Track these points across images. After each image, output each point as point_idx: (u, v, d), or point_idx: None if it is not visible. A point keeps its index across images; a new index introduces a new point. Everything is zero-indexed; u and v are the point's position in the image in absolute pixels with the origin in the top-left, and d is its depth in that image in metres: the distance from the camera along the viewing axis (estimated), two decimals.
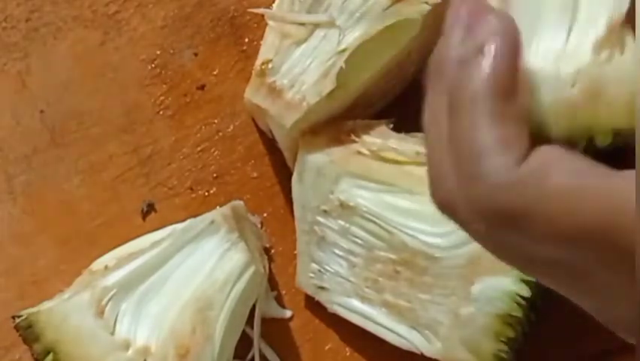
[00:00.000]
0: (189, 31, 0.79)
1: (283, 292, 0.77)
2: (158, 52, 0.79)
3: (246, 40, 0.80)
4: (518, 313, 0.68)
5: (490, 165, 0.44)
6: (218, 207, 0.74)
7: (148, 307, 0.69)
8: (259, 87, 0.73)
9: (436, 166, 0.48)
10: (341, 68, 0.70)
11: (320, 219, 0.74)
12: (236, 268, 0.70)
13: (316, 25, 0.72)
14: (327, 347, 0.77)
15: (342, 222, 0.73)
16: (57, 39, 0.79)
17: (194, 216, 0.73)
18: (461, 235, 0.69)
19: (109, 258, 0.73)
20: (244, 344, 0.74)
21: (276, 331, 0.76)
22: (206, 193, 0.78)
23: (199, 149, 0.78)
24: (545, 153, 0.44)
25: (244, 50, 0.80)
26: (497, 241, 0.46)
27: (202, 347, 0.69)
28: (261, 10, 0.75)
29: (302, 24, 0.72)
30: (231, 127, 0.79)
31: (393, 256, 0.72)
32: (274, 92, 0.72)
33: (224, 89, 0.79)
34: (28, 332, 0.69)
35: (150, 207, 0.78)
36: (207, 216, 0.71)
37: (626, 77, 0.44)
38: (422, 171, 0.70)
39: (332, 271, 0.74)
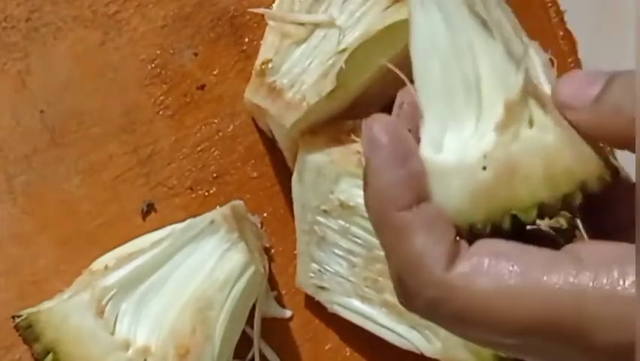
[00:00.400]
0: (189, 31, 0.79)
1: (283, 292, 0.77)
2: (158, 52, 0.79)
3: (246, 40, 0.80)
4: None
5: (416, 281, 0.45)
6: (218, 207, 0.74)
7: (148, 307, 0.69)
8: (259, 87, 0.73)
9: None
10: (341, 68, 0.70)
11: (320, 219, 0.74)
12: (236, 268, 0.70)
13: (316, 25, 0.72)
14: (327, 347, 0.77)
15: (342, 222, 0.73)
16: (57, 39, 0.79)
17: (194, 216, 0.73)
18: None
19: (109, 258, 0.73)
20: (244, 344, 0.74)
21: (276, 331, 0.76)
22: (206, 193, 0.78)
23: (199, 149, 0.78)
24: (473, 255, 0.45)
25: (244, 50, 0.80)
26: (465, 338, 0.47)
27: (202, 347, 0.69)
28: (261, 10, 0.75)
29: (302, 24, 0.72)
30: (231, 127, 0.79)
31: None
32: (274, 92, 0.72)
33: (224, 89, 0.79)
34: (28, 332, 0.69)
35: (150, 207, 0.78)
36: (207, 216, 0.71)
37: (537, 150, 0.45)
38: None
39: (332, 271, 0.74)
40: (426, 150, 0.47)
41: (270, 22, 0.74)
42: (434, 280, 0.45)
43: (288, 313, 0.77)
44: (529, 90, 0.46)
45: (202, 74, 0.80)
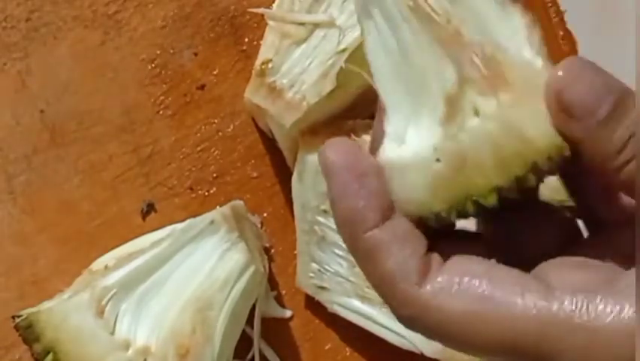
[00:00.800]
0: (189, 31, 0.79)
1: (283, 292, 0.77)
2: (158, 52, 0.79)
3: (246, 40, 0.80)
4: None
5: (393, 299, 0.46)
6: (218, 207, 0.74)
7: (148, 307, 0.69)
8: (259, 87, 0.73)
9: None
10: (341, 68, 0.70)
11: (320, 219, 0.74)
12: (236, 267, 0.70)
13: (316, 25, 0.72)
14: (327, 347, 0.77)
15: None
16: (57, 39, 0.79)
17: (194, 216, 0.73)
18: None
19: (109, 258, 0.73)
20: (244, 344, 0.74)
21: (276, 331, 0.76)
22: (206, 193, 0.78)
23: (199, 149, 0.78)
24: (443, 273, 0.45)
25: (244, 50, 0.80)
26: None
27: (202, 347, 0.69)
28: (261, 10, 0.75)
29: (302, 24, 0.72)
30: (231, 127, 0.79)
31: None
32: (274, 92, 0.72)
33: (224, 89, 0.79)
34: (28, 332, 0.69)
35: (150, 207, 0.78)
36: (207, 216, 0.71)
37: (484, 138, 0.45)
38: None
39: (332, 271, 0.74)
40: (389, 145, 0.47)
41: (270, 22, 0.74)
42: (407, 298, 0.45)
43: (288, 313, 0.77)
44: (469, 81, 0.46)
45: (202, 74, 0.80)
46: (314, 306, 0.76)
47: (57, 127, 0.78)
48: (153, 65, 0.79)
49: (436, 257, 0.46)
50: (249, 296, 0.72)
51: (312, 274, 0.75)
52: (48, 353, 0.68)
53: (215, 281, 0.70)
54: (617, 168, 0.47)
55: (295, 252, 0.76)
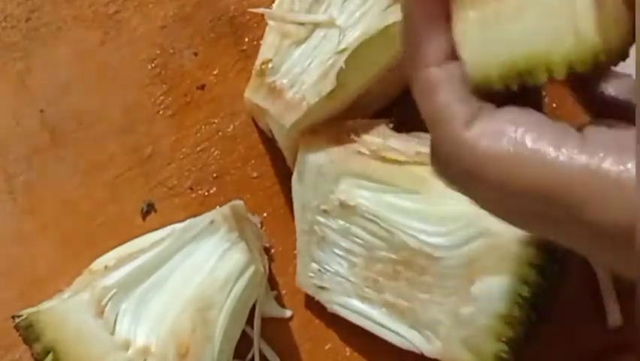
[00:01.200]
0: (189, 31, 0.79)
1: (283, 292, 0.77)
2: (158, 52, 0.79)
3: (246, 40, 0.80)
4: (519, 313, 0.68)
5: (437, 135, 0.48)
6: (218, 207, 0.74)
7: (148, 307, 0.69)
8: (259, 87, 0.73)
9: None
10: (341, 68, 0.70)
11: (320, 218, 0.74)
12: (236, 267, 0.70)
13: (316, 25, 0.72)
14: (327, 347, 0.77)
15: (342, 222, 0.73)
16: (57, 39, 0.79)
17: (194, 216, 0.73)
18: (462, 234, 0.69)
19: (109, 258, 0.73)
20: (244, 343, 0.74)
21: (276, 331, 0.76)
22: (206, 193, 0.78)
23: (199, 149, 0.78)
24: (492, 120, 0.47)
25: (244, 50, 0.80)
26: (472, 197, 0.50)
27: (202, 346, 0.69)
28: (261, 10, 0.75)
29: (302, 24, 0.72)
30: (231, 127, 0.79)
31: (393, 256, 0.72)
32: (274, 92, 0.72)
33: (224, 89, 0.79)
34: (28, 332, 0.69)
35: (150, 207, 0.78)
36: (207, 216, 0.71)
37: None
38: (423, 171, 0.70)
39: (332, 270, 0.74)
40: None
41: (270, 22, 0.74)
42: (450, 136, 0.47)
43: (288, 313, 0.77)
44: None
45: (202, 74, 0.80)
46: (314, 306, 0.76)
47: (57, 127, 0.78)
48: (153, 65, 0.79)
49: (487, 107, 0.48)
50: (249, 296, 0.72)
51: (312, 274, 0.75)
52: (48, 352, 0.68)
53: (215, 281, 0.70)
54: None
55: (295, 252, 0.76)
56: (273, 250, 0.78)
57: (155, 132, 0.78)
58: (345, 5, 0.71)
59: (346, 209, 0.73)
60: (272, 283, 0.77)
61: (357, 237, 0.73)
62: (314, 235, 0.74)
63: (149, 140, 0.78)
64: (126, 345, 0.68)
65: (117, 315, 0.69)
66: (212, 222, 0.71)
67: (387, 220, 0.71)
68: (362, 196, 0.72)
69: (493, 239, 0.68)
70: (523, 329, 0.69)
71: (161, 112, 0.79)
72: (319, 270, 0.75)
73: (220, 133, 0.79)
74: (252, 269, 0.70)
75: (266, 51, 0.74)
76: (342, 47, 0.71)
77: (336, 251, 0.74)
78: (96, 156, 0.78)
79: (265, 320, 0.76)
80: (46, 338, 0.68)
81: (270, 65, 0.72)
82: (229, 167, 0.78)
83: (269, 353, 0.76)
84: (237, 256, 0.70)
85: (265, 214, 0.78)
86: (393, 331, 0.73)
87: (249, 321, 0.74)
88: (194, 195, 0.78)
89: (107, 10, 0.79)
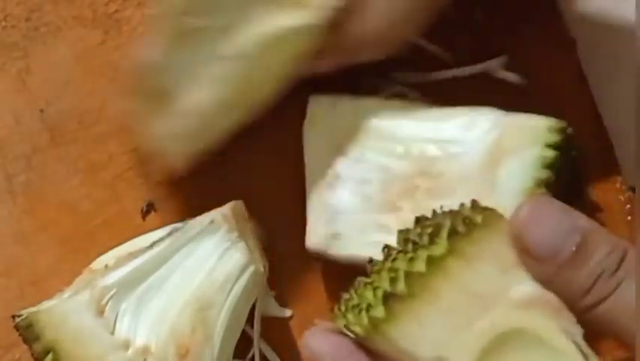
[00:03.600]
0: None
1: (283, 291, 0.77)
2: None
3: None
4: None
5: None
6: (217, 207, 0.74)
7: (148, 307, 0.69)
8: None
9: None
10: (237, 75, 0.69)
11: (332, 157, 0.73)
12: (236, 267, 0.70)
13: (209, 32, 0.71)
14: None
15: (355, 151, 0.72)
16: (57, 39, 0.79)
17: (194, 216, 0.73)
18: (485, 122, 0.69)
19: (109, 257, 0.73)
20: (244, 343, 0.74)
21: (275, 330, 0.76)
22: (207, 193, 0.78)
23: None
24: None
25: None
26: None
27: (202, 346, 0.69)
28: (149, 13, 0.73)
29: (194, 30, 0.71)
30: None
31: (410, 171, 0.71)
32: (166, 98, 0.71)
33: None
34: (27, 332, 0.69)
35: (150, 207, 0.78)
36: (207, 216, 0.71)
37: None
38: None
39: (346, 210, 0.73)
40: None
41: (158, 28, 0.72)
42: None
43: (287, 312, 0.77)
44: None
45: None
46: (314, 306, 0.77)
47: (57, 127, 0.78)
48: None
49: None
50: (248, 295, 0.72)
51: (324, 225, 0.73)
52: (48, 352, 0.68)
53: (215, 281, 0.70)
54: (586, 308, 0.48)
55: (294, 250, 0.76)
56: (272, 250, 0.78)
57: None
58: (240, 11, 0.70)
59: (359, 134, 0.72)
60: (271, 282, 0.77)
61: (371, 162, 0.72)
62: (326, 178, 0.73)
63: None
64: (126, 345, 0.69)
65: (117, 315, 0.69)
66: (212, 222, 0.71)
67: (404, 133, 0.71)
68: (377, 118, 0.72)
69: (515, 120, 0.68)
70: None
71: None
72: (332, 216, 0.73)
73: None
74: (251, 269, 0.70)
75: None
76: (236, 53, 0.70)
77: (350, 186, 0.73)
78: (96, 155, 0.78)
79: (265, 320, 0.76)
80: (46, 337, 0.68)
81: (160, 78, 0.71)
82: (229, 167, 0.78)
83: (269, 352, 0.76)
84: (237, 255, 0.70)
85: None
86: None
87: (249, 321, 0.74)
88: (194, 195, 0.78)
89: (107, 9, 0.80)
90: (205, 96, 0.70)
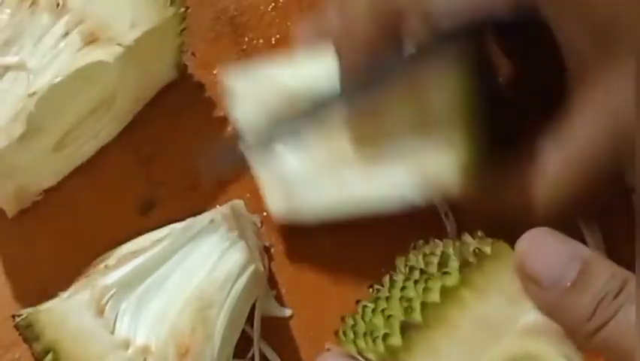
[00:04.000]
0: (188, 31, 0.79)
1: (283, 291, 0.77)
2: None
3: (246, 39, 0.80)
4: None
5: None
6: (217, 206, 0.74)
7: (148, 307, 0.69)
8: None
9: None
10: (31, 111, 0.69)
11: (270, 127, 0.73)
12: (236, 266, 0.70)
13: (7, 68, 0.71)
14: (326, 347, 0.77)
15: (286, 117, 0.73)
16: None
17: (195, 215, 0.73)
18: None
19: (109, 257, 0.73)
20: (244, 343, 0.74)
21: (275, 330, 0.76)
22: (207, 193, 0.78)
23: (199, 148, 0.78)
24: None
25: (244, 50, 0.80)
26: None
27: (202, 346, 0.69)
28: None
29: None
30: (230, 126, 0.79)
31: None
32: None
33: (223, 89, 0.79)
34: (27, 331, 0.69)
35: (150, 207, 0.78)
36: (207, 215, 0.71)
37: None
38: None
39: (296, 174, 0.74)
40: None
41: None
42: None
43: (287, 312, 0.77)
44: None
45: (201, 73, 0.80)
46: (314, 305, 0.77)
47: None
48: None
49: None
50: (248, 295, 0.72)
51: (280, 194, 0.74)
52: (48, 352, 0.68)
53: (215, 280, 0.70)
54: (588, 334, 0.49)
55: (295, 250, 0.76)
56: (272, 250, 0.78)
57: (155, 131, 0.78)
58: (37, 48, 0.70)
59: (291, 99, 0.72)
60: (272, 282, 0.77)
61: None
62: (266, 151, 0.74)
63: (149, 139, 0.78)
64: (126, 344, 0.68)
65: (117, 314, 0.69)
66: (211, 221, 0.71)
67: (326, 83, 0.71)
68: (299, 77, 0.73)
69: None
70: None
71: (160, 111, 0.79)
72: (286, 186, 0.74)
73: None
74: (251, 268, 0.71)
75: None
76: (32, 90, 0.69)
77: (292, 150, 0.73)
78: (96, 155, 0.78)
79: (265, 320, 0.76)
80: (45, 337, 0.68)
81: None
82: None
83: (269, 352, 0.76)
84: (237, 255, 0.70)
85: (265, 213, 0.78)
86: (377, 200, 0.72)
87: (249, 320, 0.74)
88: (194, 195, 0.78)
89: None
90: (1, 133, 0.69)
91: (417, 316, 0.53)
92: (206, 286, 0.69)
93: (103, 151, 0.78)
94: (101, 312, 0.69)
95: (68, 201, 0.78)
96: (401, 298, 0.55)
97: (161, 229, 0.73)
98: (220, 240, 0.70)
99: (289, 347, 0.77)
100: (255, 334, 0.75)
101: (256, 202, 0.78)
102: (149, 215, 0.78)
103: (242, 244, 0.70)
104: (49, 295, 0.72)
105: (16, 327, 0.69)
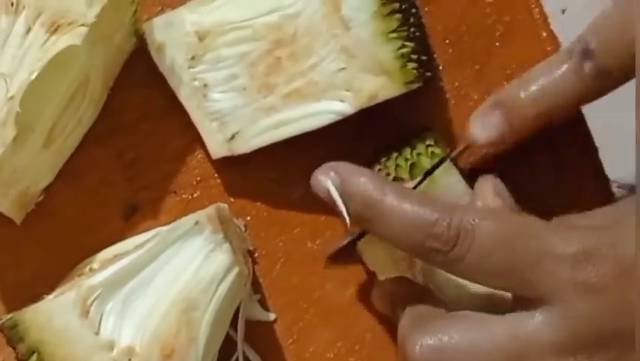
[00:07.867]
0: None
1: (267, 294, 0.78)
2: None
3: None
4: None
5: None
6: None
7: (133, 308, 0.69)
8: None
9: None
10: (17, 113, 0.69)
11: (192, 70, 0.75)
12: (221, 268, 0.70)
13: None
14: (310, 350, 0.77)
15: (210, 54, 0.74)
16: None
17: (178, 219, 0.73)
18: None
19: (93, 260, 0.73)
20: (228, 346, 0.75)
21: (259, 333, 0.77)
22: (190, 197, 0.78)
23: (183, 152, 0.78)
24: None
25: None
26: None
27: (186, 348, 0.69)
28: None
29: None
30: None
31: (266, 46, 0.74)
32: None
33: None
34: (12, 333, 0.68)
35: (134, 211, 0.78)
36: (192, 217, 0.71)
37: None
38: None
39: (230, 110, 0.75)
40: None
41: None
42: None
43: (271, 316, 0.77)
44: None
45: None
46: (298, 309, 0.77)
47: None
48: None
49: None
50: (233, 298, 0.72)
51: (218, 133, 0.75)
52: (33, 353, 0.68)
53: (199, 282, 0.70)
54: None
55: (279, 254, 0.77)
56: (256, 254, 0.78)
57: (138, 136, 0.78)
58: (5, 52, 0.71)
59: (206, 37, 0.74)
60: (256, 286, 0.77)
61: (229, 57, 0.74)
62: (199, 92, 0.75)
63: (132, 144, 0.78)
64: (111, 345, 0.68)
65: (102, 315, 0.69)
66: (196, 223, 0.71)
67: (244, 16, 0.73)
68: (211, 15, 0.75)
69: None
70: (403, 14, 0.71)
71: (145, 115, 0.79)
72: (220, 120, 0.75)
73: None
74: (236, 270, 0.71)
75: None
76: (10, 94, 0.69)
77: (222, 88, 0.75)
78: (80, 159, 0.78)
79: (249, 323, 0.76)
80: (30, 338, 0.68)
81: None
82: (213, 170, 0.78)
83: (253, 356, 0.76)
84: (222, 256, 0.70)
85: (249, 218, 0.78)
86: (311, 115, 0.74)
87: (233, 324, 0.74)
88: (177, 199, 0.78)
89: None
90: None
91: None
92: (192, 288, 0.70)
93: (87, 156, 0.78)
94: (86, 313, 0.69)
95: (52, 205, 0.77)
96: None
97: (145, 233, 0.73)
98: (205, 241, 0.71)
99: (273, 351, 0.77)
100: (239, 337, 0.75)
101: (240, 206, 0.78)
102: (133, 219, 0.78)
103: (227, 245, 0.71)
104: (34, 299, 0.72)
105: (1, 329, 0.69)
